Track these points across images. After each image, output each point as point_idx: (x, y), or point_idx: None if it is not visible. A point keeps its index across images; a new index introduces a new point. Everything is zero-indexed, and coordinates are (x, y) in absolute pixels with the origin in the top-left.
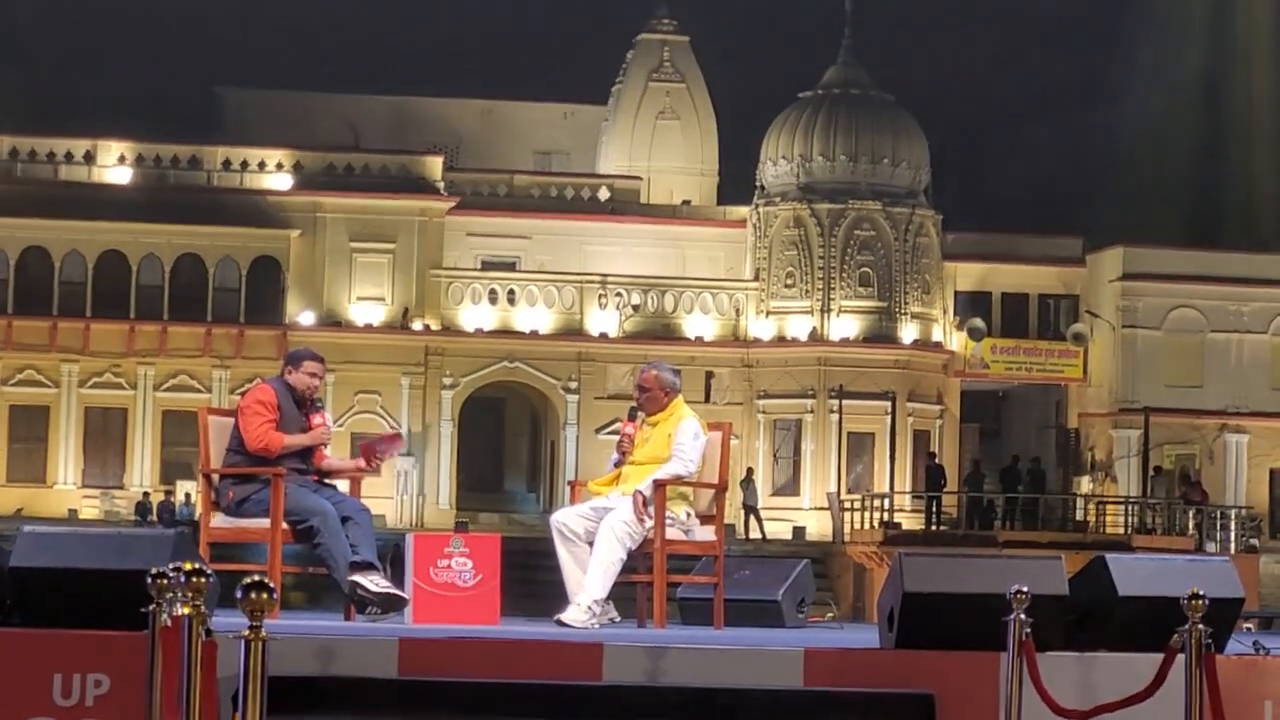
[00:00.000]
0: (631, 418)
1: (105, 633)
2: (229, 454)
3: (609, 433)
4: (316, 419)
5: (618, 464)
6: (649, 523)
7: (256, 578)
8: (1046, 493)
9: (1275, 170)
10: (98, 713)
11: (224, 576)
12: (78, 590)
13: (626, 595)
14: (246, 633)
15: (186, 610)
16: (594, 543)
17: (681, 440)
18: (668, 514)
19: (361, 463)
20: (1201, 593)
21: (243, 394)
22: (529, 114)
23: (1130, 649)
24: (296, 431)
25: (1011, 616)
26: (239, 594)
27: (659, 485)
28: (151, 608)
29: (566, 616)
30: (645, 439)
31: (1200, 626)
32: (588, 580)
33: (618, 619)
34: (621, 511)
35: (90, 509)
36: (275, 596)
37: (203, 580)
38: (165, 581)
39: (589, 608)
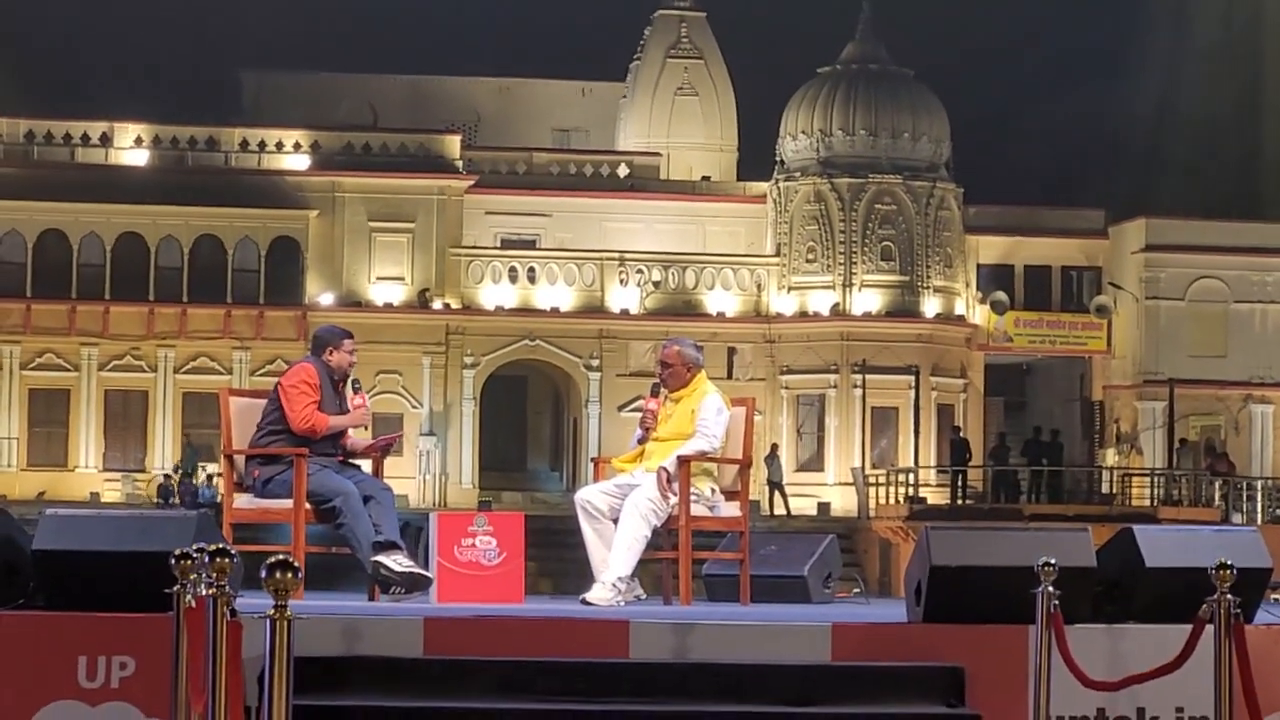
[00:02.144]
0: (654, 394)
1: (129, 615)
2: (265, 433)
3: (631, 410)
4: (357, 400)
5: (641, 440)
6: (673, 499)
7: (281, 557)
8: (1067, 464)
9: None
10: (123, 694)
11: (247, 557)
12: (101, 573)
13: (652, 572)
14: (272, 612)
15: (211, 592)
16: (618, 520)
17: (705, 416)
18: (692, 490)
19: (380, 442)
20: (1229, 563)
21: (282, 373)
22: (547, 91)
23: (1158, 620)
24: (334, 412)
25: (1039, 589)
26: (264, 573)
27: (683, 461)
28: (175, 589)
29: (592, 595)
30: (668, 415)
31: (1229, 597)
32: (612, 558)
33: (643, 596)
34: (646, 488)
35: (112, 492)
36: (300, 576)
37: (226, 561)
38: (189, 563)
39: (614, 585)
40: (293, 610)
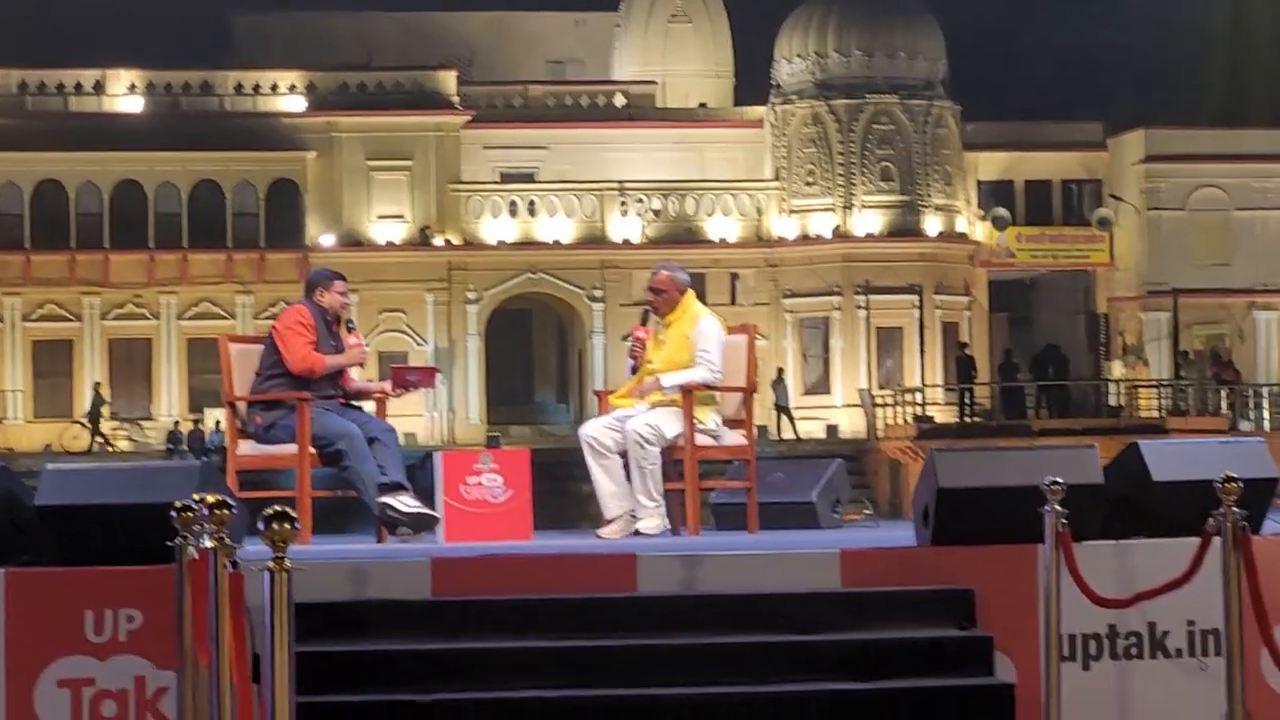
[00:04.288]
0: (644, 322)
1: (135, 568)
2: (265, 378)
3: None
4: (352, 339)
5: (634, 371)
6: (651, 400)
7: (277, 508)
8: (1072, 378)
9: None
10: (130, 647)
11: (254, 504)
12: (106, 526)
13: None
14: (270, 564)
15: (212, 544)
16: (625, 454)
17: (705, 346)
18: (695, 422)
19: (387, 386)
20: (1235, 475)
21: (275, 318)
22: (540, 23)
23: (1167, 534)
24: (330, 352)
25: (1047, 508)
26: (260, 525)
27: (686, 391)
28: (178, 541)
29: (644, 526)
30: (661, 342)
31: (1235, 510)
32: (639, 494)
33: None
34: (640, 417)
35: (119, 441)
36: (298, 525)
37: (226, 512)
38: (190, 515)
39: (658, 511)
40: (298, 558)
